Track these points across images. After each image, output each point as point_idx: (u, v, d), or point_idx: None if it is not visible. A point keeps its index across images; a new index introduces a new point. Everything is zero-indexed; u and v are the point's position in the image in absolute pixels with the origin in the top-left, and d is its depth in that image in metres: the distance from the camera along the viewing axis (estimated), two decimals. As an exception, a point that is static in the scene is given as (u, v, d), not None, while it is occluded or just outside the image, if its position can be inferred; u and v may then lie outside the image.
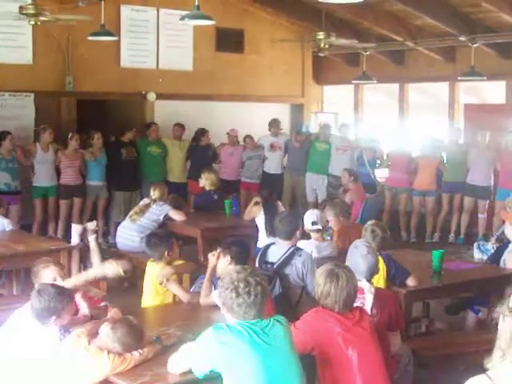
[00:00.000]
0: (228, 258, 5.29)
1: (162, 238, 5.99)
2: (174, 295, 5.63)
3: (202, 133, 11.78)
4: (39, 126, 10.76)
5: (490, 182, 11.20)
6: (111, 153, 11.03)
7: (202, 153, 11.70)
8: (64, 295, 4.28)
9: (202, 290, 5.32)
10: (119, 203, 11.15)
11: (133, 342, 4.00)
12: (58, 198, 10.62)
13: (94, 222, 7.31)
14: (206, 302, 5.20)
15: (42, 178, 10.45)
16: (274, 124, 12.44)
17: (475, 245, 9.64)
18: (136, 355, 3.95)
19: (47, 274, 4.84)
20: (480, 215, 11.32)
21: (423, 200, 11.73)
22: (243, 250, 5.46)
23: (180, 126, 11.81)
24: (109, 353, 3.89)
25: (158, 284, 5.62)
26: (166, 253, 5.80)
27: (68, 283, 4.89)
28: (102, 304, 5.04)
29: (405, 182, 11.78)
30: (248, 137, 12.21)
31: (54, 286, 4.40)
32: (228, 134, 12.14)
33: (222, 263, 5.31)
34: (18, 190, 10.27)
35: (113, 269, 5.19)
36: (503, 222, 7.80)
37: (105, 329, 4.05)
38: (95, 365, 3.86)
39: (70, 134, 10.63)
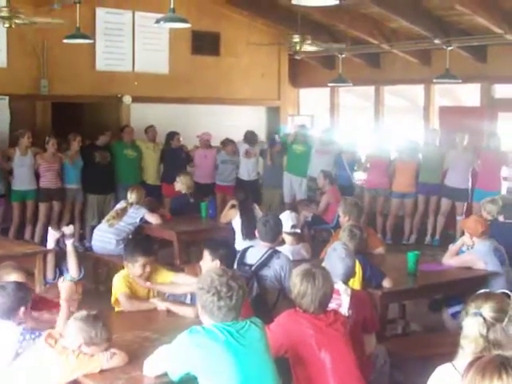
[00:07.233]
0: (217, 262, 5.18)
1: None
2: None
3: (171, 136, 11.73)
4: (16, 130, 10.71)
5: (467, 185, 11.29)
6: (85, 156, 10.98)
7: (175, 155, 11.65)
8: (23, 286, 4.39)
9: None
10: (93, 206, 11.10)
11: (96, 333, 3.87)
12: (36, 202, 10.56)
13: (71, 227, 7.30)
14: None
15: (21, 181, 10.41)
16: (251, 138, 12.26)
17: (450, 246, 9.66)
18: (105, 357, 3.87)
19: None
20: (458, 217, 11.37)
21: (402, 202, 11.79)
22: (230, 251, 5.42)
23: (152, 128, 11.78)
24: (74, 351, 3.84)
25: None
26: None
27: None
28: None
29: (385, 184, 11.84)
30: (230, 141, 12.09)
31: (10, 282, 4.48)
32: (199, 137, 12.05)
33: (208, 267, 5.12)
34: (1, 194, 10.26)
35: None
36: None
37: (68, 322, 3.99)
38: (60, 361, 3.79)
39: (47, 139, 10.59)
